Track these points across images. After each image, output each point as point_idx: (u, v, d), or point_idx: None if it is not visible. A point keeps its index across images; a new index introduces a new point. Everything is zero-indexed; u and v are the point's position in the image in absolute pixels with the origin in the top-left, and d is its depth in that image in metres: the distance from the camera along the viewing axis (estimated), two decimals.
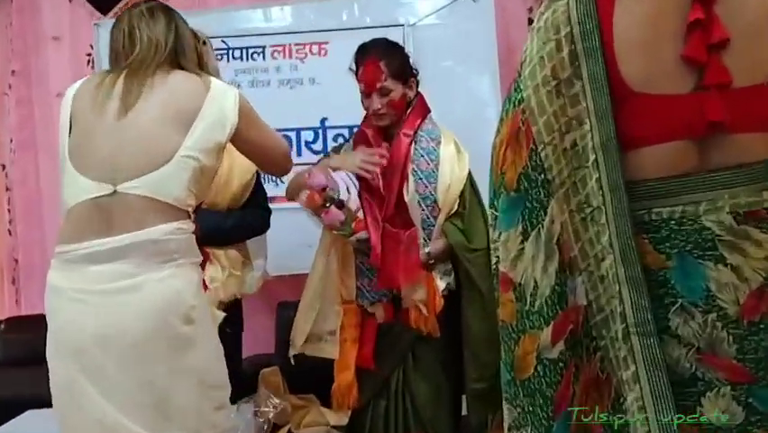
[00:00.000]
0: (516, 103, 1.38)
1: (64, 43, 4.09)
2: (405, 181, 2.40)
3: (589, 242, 1.32)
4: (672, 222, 1.30)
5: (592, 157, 1.30)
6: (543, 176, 1.34)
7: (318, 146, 3.56)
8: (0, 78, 4.22)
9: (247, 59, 3.64)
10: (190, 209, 1.81)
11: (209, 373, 1.83)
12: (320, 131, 3.59)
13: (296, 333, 2.55)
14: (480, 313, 2.37)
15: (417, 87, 2.54)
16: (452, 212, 2.45)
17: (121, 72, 1.87)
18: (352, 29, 3.50)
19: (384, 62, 2.43)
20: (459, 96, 3.57)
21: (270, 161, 2.05)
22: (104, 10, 3.99)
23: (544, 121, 1.33)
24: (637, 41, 1.29)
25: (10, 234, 4.28)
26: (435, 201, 2.43)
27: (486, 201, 2.27)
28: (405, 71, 2.48)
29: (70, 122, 1.84)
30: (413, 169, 2.42)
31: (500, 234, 1.40)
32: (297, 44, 3.60)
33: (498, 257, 1.42)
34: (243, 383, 2.21)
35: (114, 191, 1.74)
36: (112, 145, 1.76)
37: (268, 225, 2.74)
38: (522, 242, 1.37)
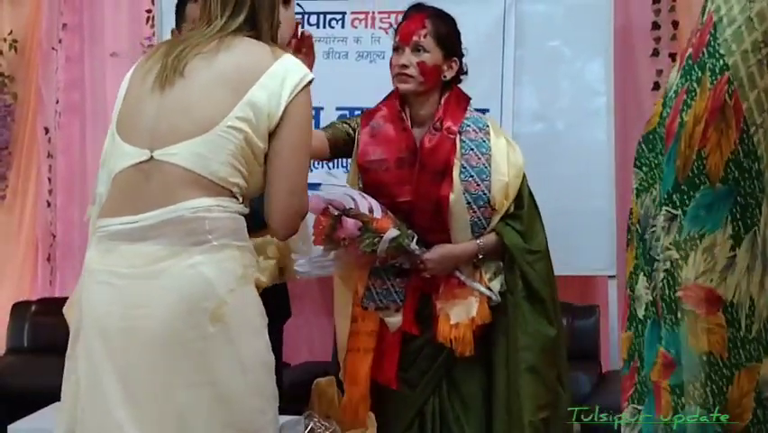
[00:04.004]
0: (718, 71, 1.32)
1: None
2: (449, 184, 2.43)
3: None
4: None
5: None
6: (757, 165, 1.30)
7: None
8: (49, 30, 4.42)
9: (324, 25, 3.70)
10: (236, 190, 1.78)
11: (237, 402, 1.74)
12: None
13: (339, 350, 2.57)
14: (541, 322, 2.43)
15: (460, 73, 2.55)
16: (508, 213, 2.49)
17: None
18: None
19: (431, 21, 2.47)
20: (564, 83, 3.64)
21: (290, 185, 1.81)
22: None
23: (754, 97, 1.29)
24: None
25: (48, 205, 4.48)
26: (488, 201, 2.46)
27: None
28: (451, 42, 2.51)
29: (126, 94, 1.89)
30: (461, 165, 2.45)
31: (700, 237, 1.33)
32: (381, 12, 3.65)
33: (670, 265, 1.36)
34: (286, 395, 2.06)
35: (151, 157, 1.76)
36: (154, 109, 1.79)
37: None
38: (733, 248, 1.31)
